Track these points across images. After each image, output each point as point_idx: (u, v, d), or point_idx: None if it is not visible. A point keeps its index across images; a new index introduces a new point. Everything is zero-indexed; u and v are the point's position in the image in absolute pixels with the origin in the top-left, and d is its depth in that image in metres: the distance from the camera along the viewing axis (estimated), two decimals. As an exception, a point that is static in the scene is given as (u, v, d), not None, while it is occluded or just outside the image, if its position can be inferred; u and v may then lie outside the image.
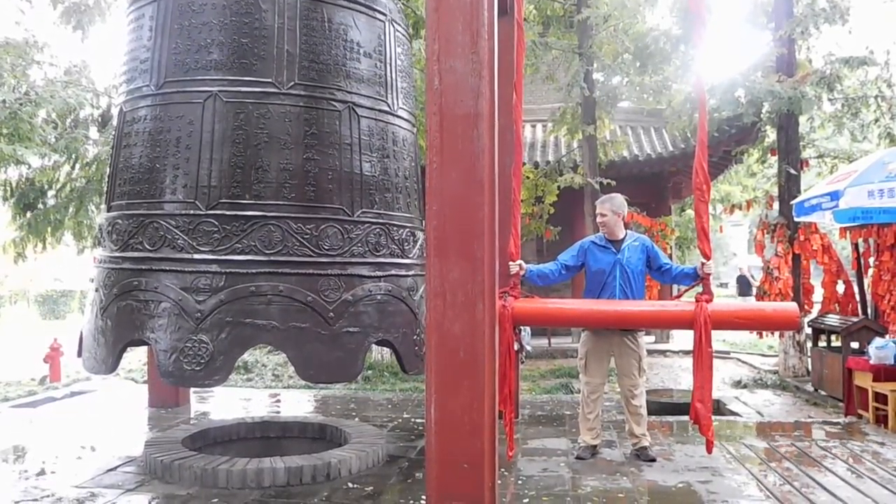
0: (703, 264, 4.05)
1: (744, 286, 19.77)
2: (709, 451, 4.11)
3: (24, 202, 9.46)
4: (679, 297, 4.53)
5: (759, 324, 4.61)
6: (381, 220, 4.32)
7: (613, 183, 10.23)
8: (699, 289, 4.08)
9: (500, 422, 3.49)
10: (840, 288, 9.31)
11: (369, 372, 9.53)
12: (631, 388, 4.57)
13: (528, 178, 10.63)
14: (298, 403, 6.73)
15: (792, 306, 4.25)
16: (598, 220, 4.66)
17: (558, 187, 10.69)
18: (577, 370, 10.01)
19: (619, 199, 4.67)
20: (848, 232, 8.48)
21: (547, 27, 10.76)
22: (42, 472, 4.26)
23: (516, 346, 5.66)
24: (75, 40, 9.21)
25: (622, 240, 4.59)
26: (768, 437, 5.24)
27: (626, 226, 4.84)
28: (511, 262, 4.17)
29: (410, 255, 4.52)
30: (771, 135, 10.91)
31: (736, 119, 10.29)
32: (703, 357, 3.87)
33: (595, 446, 4.65)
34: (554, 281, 4.66)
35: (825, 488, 3.96)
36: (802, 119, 10.53)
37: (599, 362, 4.63)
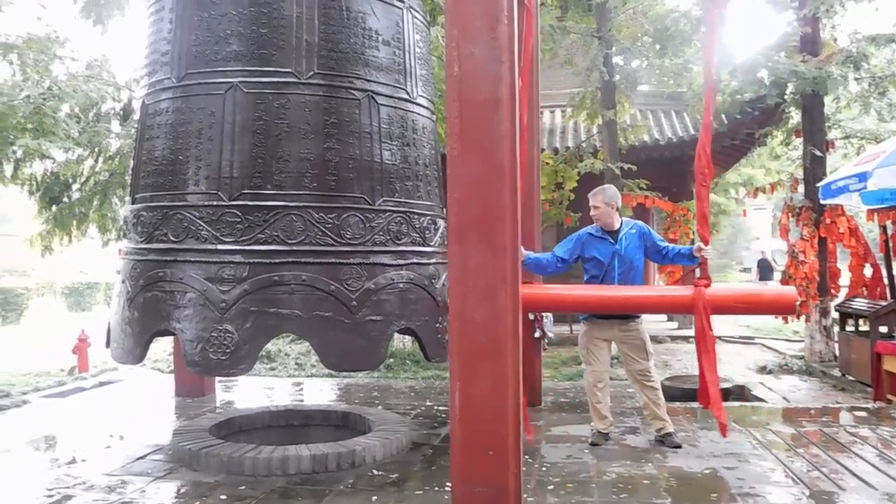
0: (699, 248, 4.02)
1: (765, 270, 19.42)
2: (723, 434, 4.06)
3: (50, 196, 9.58)
4: (683, 281, 4.51)
5: (757, 308, 4.49)
6: (402, 209, 4.32)
7: (634, 168, 10.13)
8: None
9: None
10: (867, 271, 9.14)
11: (391, 360, 9.56)
12: (642, 372, 4.54)
13: (547, 163, 10.55)
14: (321, 392, 6.78)
15: (790, 290, 4.21)
16: (592, 212, 4.65)
17: (578, 173, 10.60)
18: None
19: (611, 191, 4.69)
20: (875, 214, 8.31)
21: (565, 10, 10.63)
22: (73, 461, 4.35)
23: (538, 333, 5.69)
24: (96, 34, 9.29)
25: (618, 229, 4.59)
26: (795, 422, 5.18)
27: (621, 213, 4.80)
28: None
29: (432, 243, 4.52)
30: (795, 116, 10.71)
31: (759, 100, 10.10)
32: (706, 341, 3.86)
33: (607, 433, 4.64)
34: (552, 272, 4.67)
35: (854, 474, 3.91)
36: (828, 99, 10.30)
37: (600, 350, 4.65)
